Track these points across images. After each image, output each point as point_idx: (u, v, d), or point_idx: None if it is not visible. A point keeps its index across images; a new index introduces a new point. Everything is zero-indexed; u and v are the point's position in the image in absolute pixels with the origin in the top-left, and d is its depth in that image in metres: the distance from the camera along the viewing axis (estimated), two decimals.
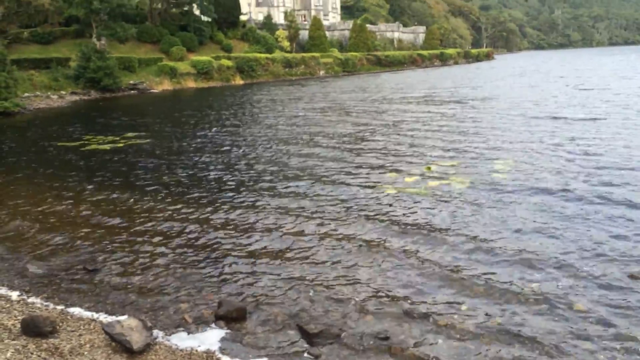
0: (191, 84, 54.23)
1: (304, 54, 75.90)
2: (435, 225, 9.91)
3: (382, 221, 10.24)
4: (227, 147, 19.03)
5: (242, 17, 78.13)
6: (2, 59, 31.51)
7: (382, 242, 9.19)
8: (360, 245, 9.06)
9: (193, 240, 9.65)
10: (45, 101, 37.60)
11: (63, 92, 40.86)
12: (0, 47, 31.57)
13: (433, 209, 10.88)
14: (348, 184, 13.05)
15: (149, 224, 10.63)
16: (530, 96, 33.51)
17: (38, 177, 15.43)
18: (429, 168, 14.54)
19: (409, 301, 7.01)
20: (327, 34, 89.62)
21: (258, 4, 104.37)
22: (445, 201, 11.34)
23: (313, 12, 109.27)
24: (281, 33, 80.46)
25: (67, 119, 30.41)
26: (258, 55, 66.41)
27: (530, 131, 19.83)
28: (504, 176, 13.22)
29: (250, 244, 9.33)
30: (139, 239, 9.82)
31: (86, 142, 21.28)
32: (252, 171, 14.96)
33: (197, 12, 67.42)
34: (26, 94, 36.74)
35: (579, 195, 11.28)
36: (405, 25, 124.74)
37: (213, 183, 13.82)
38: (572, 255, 8.24)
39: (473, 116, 25.10)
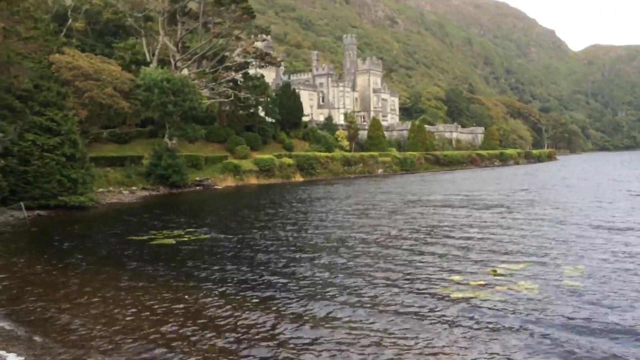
0: (253, 180, 56.08)
1: (363, 153, 77.67)
2: (509, 336, 9.41)
3: (451, 330, 9.84)
4: (285, 247, 19.18)
5: (304, 118, 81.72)
6: (81, 157, 33.91)
7: (451, 353, 8.78)
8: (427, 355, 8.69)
9: (255, 346, 9.56)
10: (117, 196, 39.75)
11: (134, 188, 43.16)
12: (81, 146, 34.03)
13: (504, 317, 10.39)
14: (410, 289, 12.73)
15: (215, 323, 10.66)
16: (598, 202, 32.44)
17: (105, 273, 15.94)
18: (494, 271, 14.09)
19: None
20: (386, 134, 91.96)
21: (320, 106, 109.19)
22: (516, 309, 10.81)
23: (372, 113, 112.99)
24: (341, 133, 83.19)
25: (137, 213, 31.84)
26: (318, 153, 68.49)
27: (599, 238, 19.00)
28: (576, 283, 12.58)
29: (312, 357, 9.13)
30: (204, 340, 9.82)
31: (153, 236, 22.05)
32: (308, 274, 14.89)
33: (262, 113, 71.22)
34: (101, 189, 39.04)
35: None
36: (463, 126, 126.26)
37: (270, 283, 13.83)
38: None
39: (536, 220, 24.41)
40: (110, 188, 41.05)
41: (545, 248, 17.24)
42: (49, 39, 42.97)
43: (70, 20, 59.56)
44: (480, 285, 12.77)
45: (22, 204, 28.31)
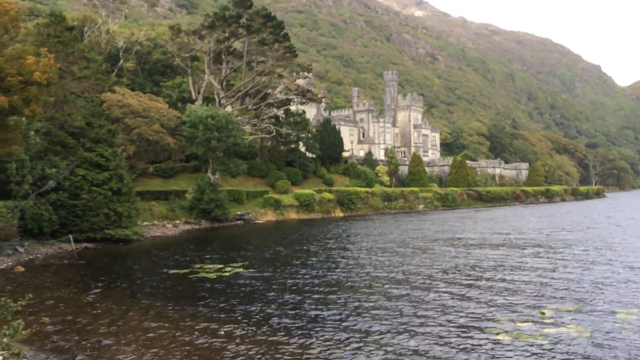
0: (293, 215, 56.33)
1: (403, 189, 77.15)
2: None
3: None
4: (323, 286, 19.12)
5: (344, 154, 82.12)
6: (128, 191, 34.92)
7: None
8: None
9: None
10: (161, 229, 40.60)
11: (177, 222, 44.03)
12: (128, 180, 35.06)
13: None
14: (455, 330, 12.45)
15: None
16: None
17: (149, 307, 16.22)
18: (543, 313, 13.67)
19: None
20: (427, 169, 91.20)
21: (360, 142, 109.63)
22: (567, 353, 10.41)
23: (413, 149, 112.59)
24: (381, 168, 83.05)
25: (179, 247, 32.41)
26: (358, 189, 68.40)
27: None
28: (630, 327, 12.04)
29: None
30: None
31: (195, 270, 22.37)
32: (347, 312, 14.78)
33: (302, 148, 72.04)
34: (145, 223, 39.98)
35: None
36: (506, 162, 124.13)
37: (307, 322, 13.78)
38: None
39: (584, 260, 23.60)
40: (155, 221, 41.98)
41: (595, 290, 16.61)
42: (100, 78, 45.14)
43: (121, 61, 62.42)
44: (528, 327, 12.37)
45: (70, 236, 29.30)
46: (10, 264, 24.28)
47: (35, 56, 24.90)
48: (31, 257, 26.78)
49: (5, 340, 7.95)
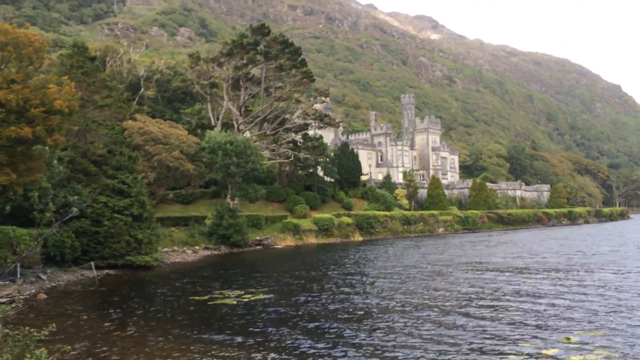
0: (312, 239, 56.12)
1: (423, 212, 76.56)
2: None
3: None
4: (343, 312, 18.91)
5: (363, 177, 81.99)
6: (148, 217, 35.19)
7: None
8: None
9: None
10: (181, 255, 40.73)
11: (197, 247, 44.17)
12: (149, 206, 35.35)
13: None
14: (478, 355, 12.17)
15: None
16: None
17: (169, 335, 16.18)
18: (568, 339, 13.33)
19: None
20: (446, 192, 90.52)
21: (378, 165, 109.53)
22: None
23: (431, 172, 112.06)
24: (400, 192, 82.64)
25: (199, 273, 32.42)
26: (377, 213, 68.04)
27: None
28: None
29: None
30: None
31: (214, 296, 22.31)
32: (368, 342, 14.58)
33: (321, 173, 72.16)
34: (165, 249, 40.17)
35: None
36: (527, 184, 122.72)
37: (330, 353, 13.61)
38: None
39: (609, 285, 23.03)
40: (175, 247, 42.16)
41: (620, 314, 16.19)
42: (122, 107, 45.92)
43: (142, 89, 63.71)
44: (554, 355, 12.04)
45: (92, 263, 29.52)
46: (33, 291, 24.50)
47: (57, 85, 25.49)
48: (53, 284, 27.00)
49: None
